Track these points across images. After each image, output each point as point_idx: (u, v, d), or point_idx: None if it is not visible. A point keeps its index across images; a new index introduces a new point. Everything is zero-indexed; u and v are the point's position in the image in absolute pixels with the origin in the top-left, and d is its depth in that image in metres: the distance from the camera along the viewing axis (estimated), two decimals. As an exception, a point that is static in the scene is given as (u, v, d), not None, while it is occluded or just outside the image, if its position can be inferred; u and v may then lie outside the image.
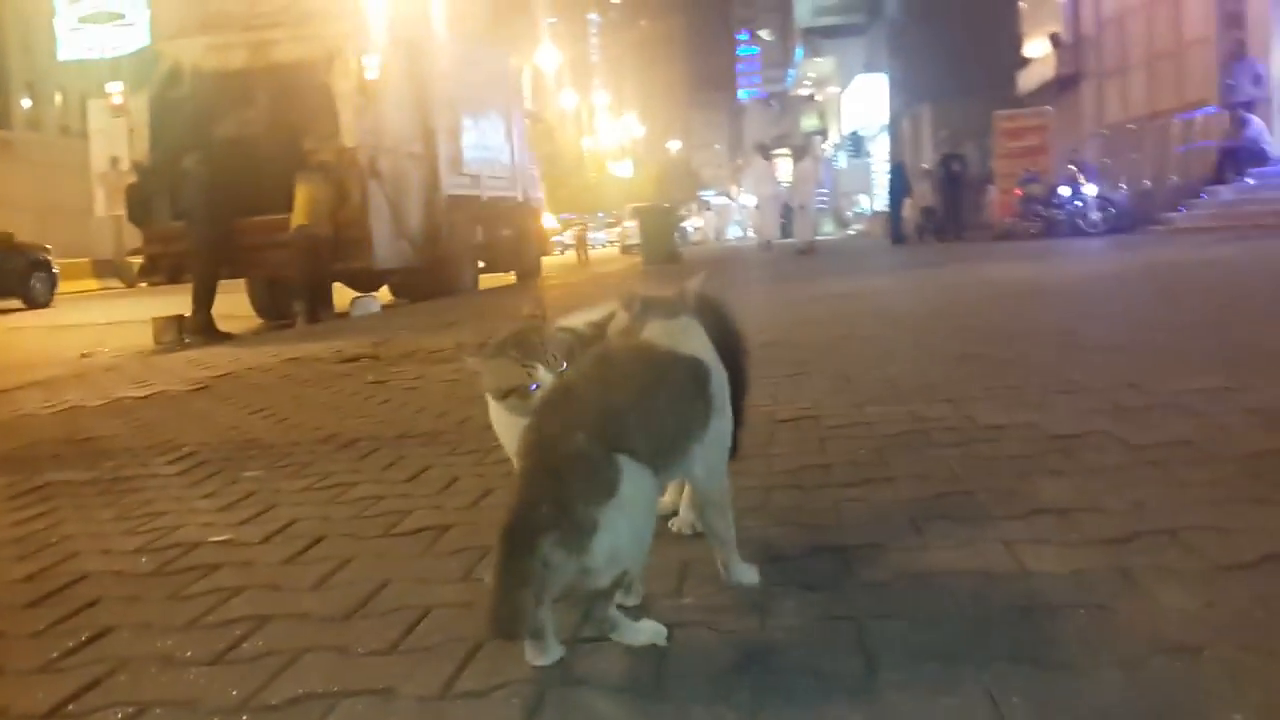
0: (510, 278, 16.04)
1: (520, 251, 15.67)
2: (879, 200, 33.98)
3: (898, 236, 20.89)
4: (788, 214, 23.36)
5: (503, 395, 1.72)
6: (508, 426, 1.80)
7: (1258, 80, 14.69)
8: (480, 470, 2.84)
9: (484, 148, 13.87)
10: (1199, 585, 1.65)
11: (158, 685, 1.58)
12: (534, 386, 1.66)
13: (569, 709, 1.40)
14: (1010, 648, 1.46)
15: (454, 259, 12.56)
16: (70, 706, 1.52)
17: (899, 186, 21.29)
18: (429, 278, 12.12)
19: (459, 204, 12.69)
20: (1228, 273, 7.95)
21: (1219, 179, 15.25)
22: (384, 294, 12.78)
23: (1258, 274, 7.65)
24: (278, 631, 1.78)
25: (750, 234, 38.73)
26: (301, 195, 10.10)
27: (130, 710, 1.50)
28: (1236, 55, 14.74)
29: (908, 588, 1.74)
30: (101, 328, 11.70)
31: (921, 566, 1.82)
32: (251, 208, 10.30)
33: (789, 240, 23.77)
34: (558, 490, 1.38)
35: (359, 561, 2.15)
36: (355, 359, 6.02)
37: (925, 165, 22.40)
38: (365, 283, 12.37)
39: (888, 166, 29.65)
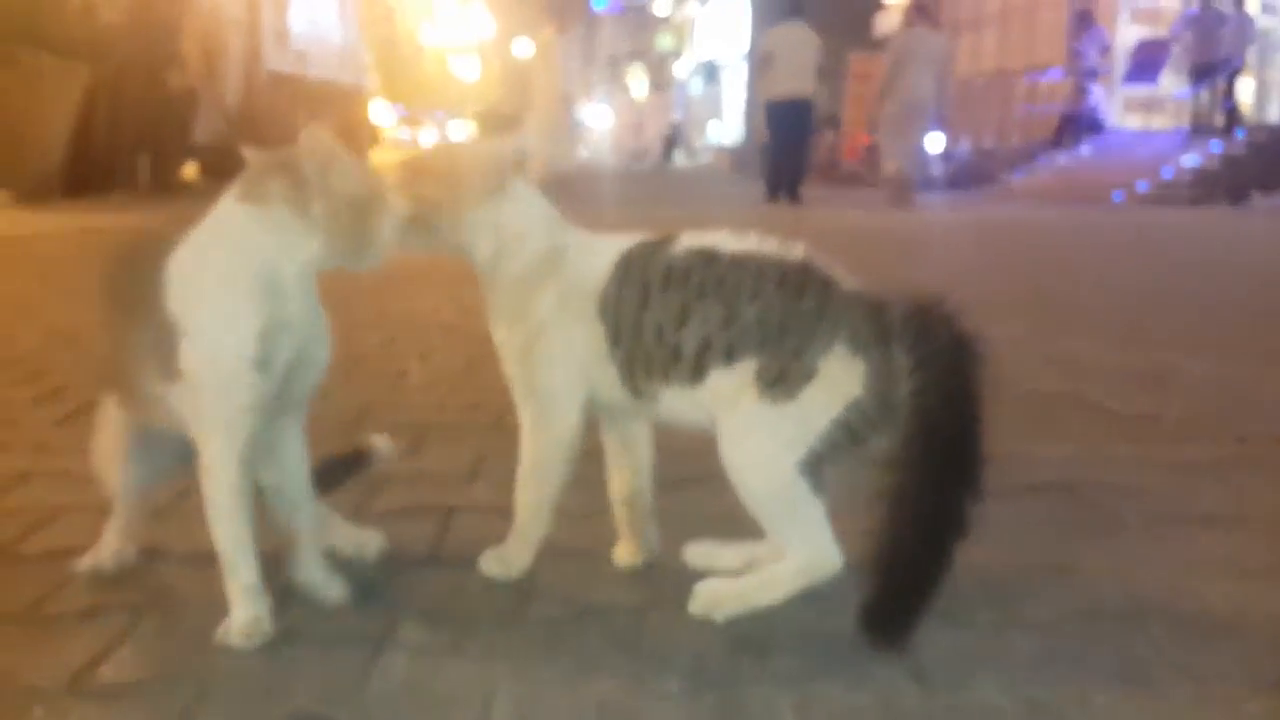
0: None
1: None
2: (730, 133, 33.69)
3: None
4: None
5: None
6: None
7: (1104, 50, 14.95)
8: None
9: (313, 23, 12.66)
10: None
11: None
12: None
13: None
14: None
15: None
16: None
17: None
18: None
19: (282, 82, 11.55)
20: (1047, 236, 8.11)
21: (1057, 144, 15.57)
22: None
23: (1079, 241, 7.86)
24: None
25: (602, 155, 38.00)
26: None
27: None
28: (1085, 22, 14.92)
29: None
30: None
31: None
32: None
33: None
34: None
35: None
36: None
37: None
38: (173, 157, 11.13)
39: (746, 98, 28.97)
